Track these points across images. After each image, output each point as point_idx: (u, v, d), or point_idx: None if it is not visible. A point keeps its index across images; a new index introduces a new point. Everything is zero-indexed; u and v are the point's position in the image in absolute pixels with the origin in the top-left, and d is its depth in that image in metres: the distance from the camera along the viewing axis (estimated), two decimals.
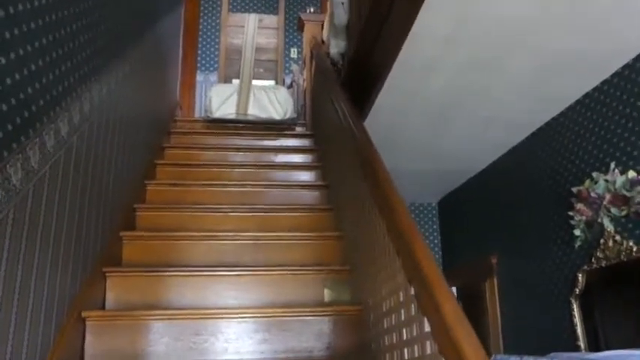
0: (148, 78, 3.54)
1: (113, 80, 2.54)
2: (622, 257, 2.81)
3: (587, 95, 3.18)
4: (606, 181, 2.91)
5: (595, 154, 3.09)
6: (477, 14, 2.41)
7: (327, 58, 4.13)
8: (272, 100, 4.71)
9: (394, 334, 1.76)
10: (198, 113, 6.38)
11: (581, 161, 3.22)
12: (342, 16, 3.80)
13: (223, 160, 3.90)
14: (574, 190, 3.16)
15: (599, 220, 2.95)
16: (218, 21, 8.00)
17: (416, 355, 1.52)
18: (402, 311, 1.67)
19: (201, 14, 7.60)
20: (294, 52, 8.08)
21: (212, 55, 7.92)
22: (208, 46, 7.95)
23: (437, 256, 5.55)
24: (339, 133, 2.96)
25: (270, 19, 8.10)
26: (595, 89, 3.11)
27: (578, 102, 3.27)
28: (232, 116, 4.65)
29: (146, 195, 3.28)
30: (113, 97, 2.55)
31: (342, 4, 3.79)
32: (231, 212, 3.10)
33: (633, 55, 2.79)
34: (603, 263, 2.95)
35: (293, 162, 4.01)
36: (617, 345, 2.69)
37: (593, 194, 2.98)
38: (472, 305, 4.46)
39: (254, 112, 4.66)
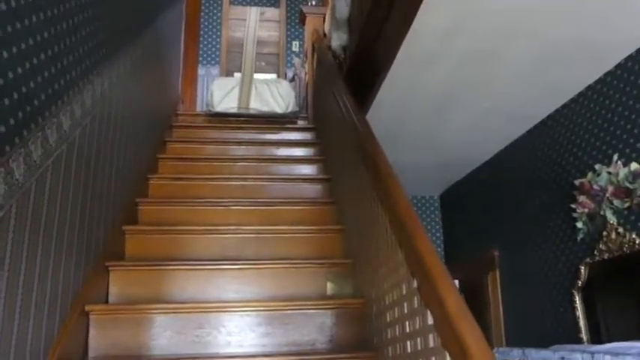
0: (150, 72, 3.53)
1: (115, 74, 2.54)
2: (624, 250, 2.81)
3: (589, 87, 3.17)
4: (609, 173, 2.90)
5: (597, 146, 3.09)
6: (478, 6, 2.41)
7: (328, 52, 4.12)
8: (274, 94, 4.70)
9: (397, 327, 1.76)
10: (199, 107, 6.37)
11: (583, 153, 3.22)
12: (343, 8, 3.78)
13: (225, 154, 3.90)
14: (576, 182, 3.15)
15: (602, 212, 2.95)
16: (219, 14, 7.98)
17: (419, 348, 1.52)
18: (405, 304, 1.67)
19: (203, 7, 7.57)
20: (295, 46, 8.06)
21: (213, 49, 7.90)
22: (210, 39, 7.92)
23: (439, 249, 5.55)
24: (341, 126, 2.95)
25: (272, 12, 8.09)
26: (598, 81, 3.10)
27: (580, 94, 3.26)
28: (234, 110, 4.64)
29: (148, 189, 3.28)
30: (115, 91, 2.54)
31: None
32: (233, 206, 3.10)
33: (636, 47, 2.77)
34: (606, 256, 2.95)
35: (295, 155, 4.01)
36: (620, 337, 2.70)
37: (595, 186, 2.97)
38: (474, 298, 4.47)
39: (256, 105, 4.65)
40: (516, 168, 4.05)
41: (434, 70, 3.01)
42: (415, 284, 1.56)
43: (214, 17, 8.01)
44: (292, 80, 6.27)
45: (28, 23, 1.54)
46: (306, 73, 5.60)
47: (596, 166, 3.02)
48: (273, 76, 7.54)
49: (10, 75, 1.44)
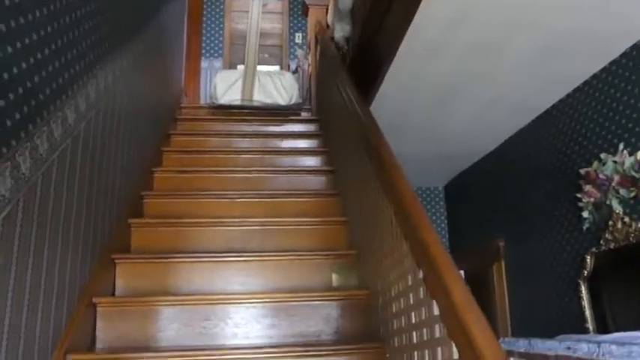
0: (153, 65, 3.53)
1: (118, 68, 2.54)
2: (631, 239, 2.80)
3: (594, 76, 3.16)
4: (615, 162, 2.89)
5: (603, 136, 3.07)
6: None
7: (331, 43, 4.11)
8: (277, 86, 4.69)
9: (403, 318, 1.77)
10: (203, 100, 6.37)
11: (588, 143, 3.20)
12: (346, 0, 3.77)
13: (229, 147, 3.90)
14: (582, 172, 3.14)
15: (608, 201, 2.94)
16: (222, 6, 7.96)
17: (425, 338, 1.53)
18: (411, 295, 1.68)
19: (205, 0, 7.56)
20: (298, 37, 8.03)
21: (216, 41, 7.89)
22: (212, 32, 7.91)
23: (444, 239, 5.55)
24: (345, 117, 2.95)
25: (275, 4, 8.07)
26: (603, 70, 3.08)
27: (586, 83, 3.24)
28: (237, 102, 4.64)
29: (153, 182, 3.29)
30: (118, 85, 2.54)
31: None
32: (237, 198, 3.11)
33: None
34: (612, 245, 2.94)
35: (299, 147, 4.00)
36: (626, 327, 2.70)
37: (601, 176, 2.97)
38: (480, 289, 4.47)
39: (259, 97, 4.64)
40: (521, 158, 4.04)
41: (437, 62, 3.00)
42: (421, 275, 1.56)
43: (217, 9, 7.99)
44: (295, 72, 6.25)
45: (32, 18, 1.54)
46: (309, 65, 5.59)
47: (602, 155, 3.00)
48: (277, 68, 7.53)
49: (15, 70, 1.45)
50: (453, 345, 1.28)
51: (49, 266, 1.73)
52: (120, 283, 2.45)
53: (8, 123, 1.42)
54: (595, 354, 2.11)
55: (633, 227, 2.79)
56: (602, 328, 3.04)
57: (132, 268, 2.49)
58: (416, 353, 1.60)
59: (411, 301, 1.67)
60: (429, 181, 5.63)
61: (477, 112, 3.74)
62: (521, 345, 2.66)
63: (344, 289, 2.50)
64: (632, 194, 2.79)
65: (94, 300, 2.15)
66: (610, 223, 2.95)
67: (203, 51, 7.23)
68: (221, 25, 7.94)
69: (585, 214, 3.13)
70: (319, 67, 4.76)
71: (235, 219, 2.87)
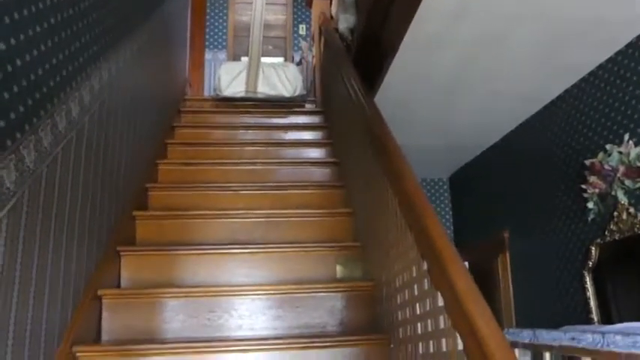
0: (157, 56, 3.53)
1: (122, 59, 2.54)
2: (636, 230, 2.79)
3: (600, 66, 3.13)
4: (620, 153, 2.88)
5: (608, 126, 3.06)
6: None
7: (336, 34, 4.09)
8: (281, 78, 4.68)
9: (407, 309, 1.77)
10: (207, 92, 6.37)
11: (594, 134, 3.19)
12: None
13: (234, 139, 3.90)
14: (587, 162, 3.13)
15: (613, 192, 2.93)
16: None
17: (429, 329, 1.53)
18: (415, 286, 1.68)
19: None
20: (302, 29, 8.01)
21: (220, 33, 7.87)
22: (216, 23, 7.89)
23: (448, 231, 5.55)
24: (350, 109, 2.94)
25: None
26: (609, 60, 3.06)
27: (591, 73, 3.22)
28: (242, 94, 4.63)
29: (157, 175, 3.30)
30: (122, 77, 2.54)
31: None
32: (242, 190, 3.11)
33: None
34: (617, 236, 2.94)
35: (303, 139, 4.00)
36: (631, 317, 2.70)
37: (606, 167, 2.95)
38: (484, 280, 4.47)
39: (263, 89, 4.64)
40: (526, 149, 4.02)
41: (442, 54, 2.98)
42: (425, 266, 1.56)
43: (221, 1, 7.96)
44: (299, 64, 6.24)
45: (35, 10, 1.53)
46: (313, 57, 5.58)
47: (607, 146, 2.99)
48: (281, 59, 7.51)
49: (19, 62, 1.45)
50: (458, 336, 1.28)
51: (54, 258, 1.74)
52: (125, 275, 2.46)
53: (12, 115, 1.42)
54: (600, 344, 2.11)
55: (638, 218, 2.78)
56: (607, 318, 3.04)
57: (137, 260, 2.50)
58: (420, 344, 1.60)
59: (416, 293, 1.67)
60: (434, 172, 5.62)
61: (482, 104, 3.72)
62: (526, 336, 2.66)
63: (348, 280, 2.50)
64: (638, 185, 2.78)
65: (100, 292, 2.16)
66: (615, 214, 2.94)
67: (207, 43, 7.22)
68: (225, 17, 7.92)
69: (590, 205, 3.12)
70: (323, 58, 4.75)
71: (240, 211, 2.88)
